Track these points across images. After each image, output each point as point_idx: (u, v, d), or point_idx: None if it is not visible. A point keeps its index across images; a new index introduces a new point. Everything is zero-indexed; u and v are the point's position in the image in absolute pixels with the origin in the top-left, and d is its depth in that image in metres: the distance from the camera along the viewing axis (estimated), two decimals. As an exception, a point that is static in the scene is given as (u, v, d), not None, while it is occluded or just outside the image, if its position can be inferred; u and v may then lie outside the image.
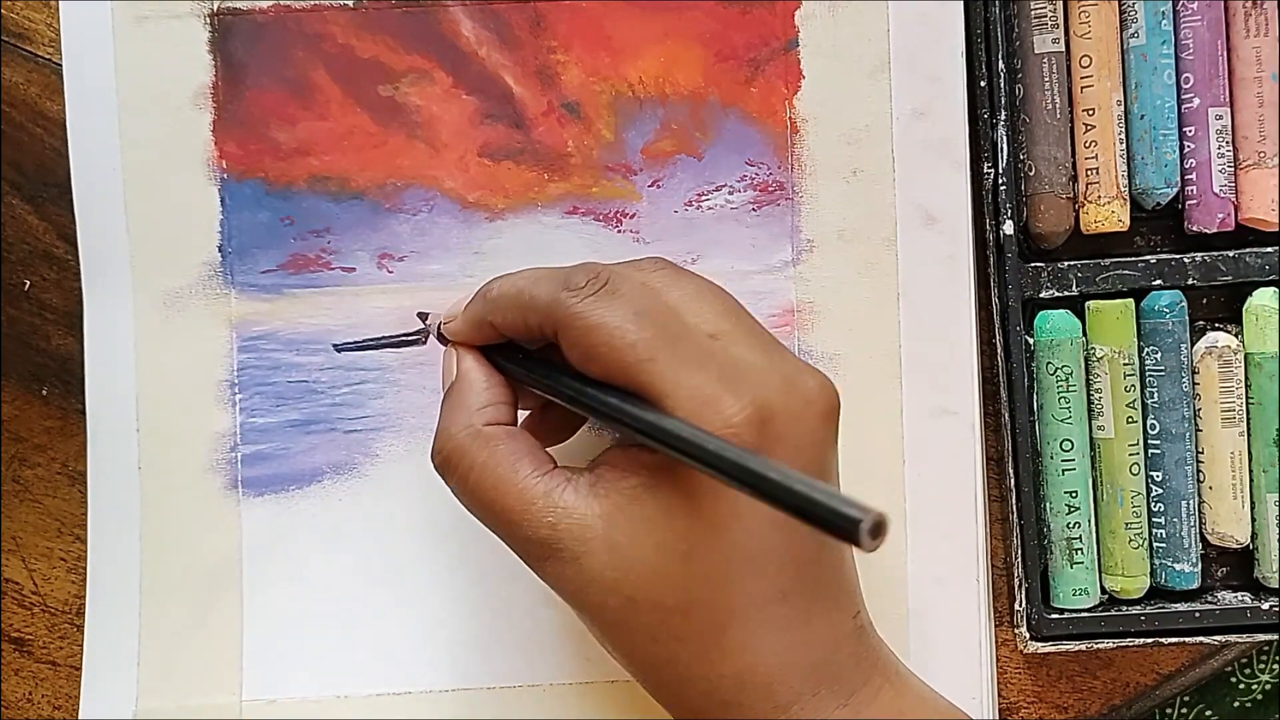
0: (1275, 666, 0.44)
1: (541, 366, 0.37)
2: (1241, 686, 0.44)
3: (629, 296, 0.34)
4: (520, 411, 0.39)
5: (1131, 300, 0.41)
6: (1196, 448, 0.42)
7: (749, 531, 0.33)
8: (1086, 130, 0.41)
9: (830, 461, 0.35)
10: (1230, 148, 0.41)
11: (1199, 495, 0.42)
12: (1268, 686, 0.44)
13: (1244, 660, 0.44)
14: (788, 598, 0.34)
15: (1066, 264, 0.42)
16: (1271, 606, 0.41)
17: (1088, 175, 0.42)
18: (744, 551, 0.33)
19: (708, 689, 0.34)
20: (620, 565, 0.34)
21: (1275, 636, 0.41)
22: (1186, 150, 0.41)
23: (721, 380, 0.33)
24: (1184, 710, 0.44)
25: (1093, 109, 0.41)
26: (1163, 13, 0.41)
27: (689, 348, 0.34)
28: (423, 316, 0.42)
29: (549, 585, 0.35)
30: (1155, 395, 0.41)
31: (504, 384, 0.38)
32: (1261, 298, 0.41)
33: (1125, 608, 0.42)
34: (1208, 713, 0.44)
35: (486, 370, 0.38)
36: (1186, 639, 0.41)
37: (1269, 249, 0.41)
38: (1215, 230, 0.42)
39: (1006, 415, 0.41)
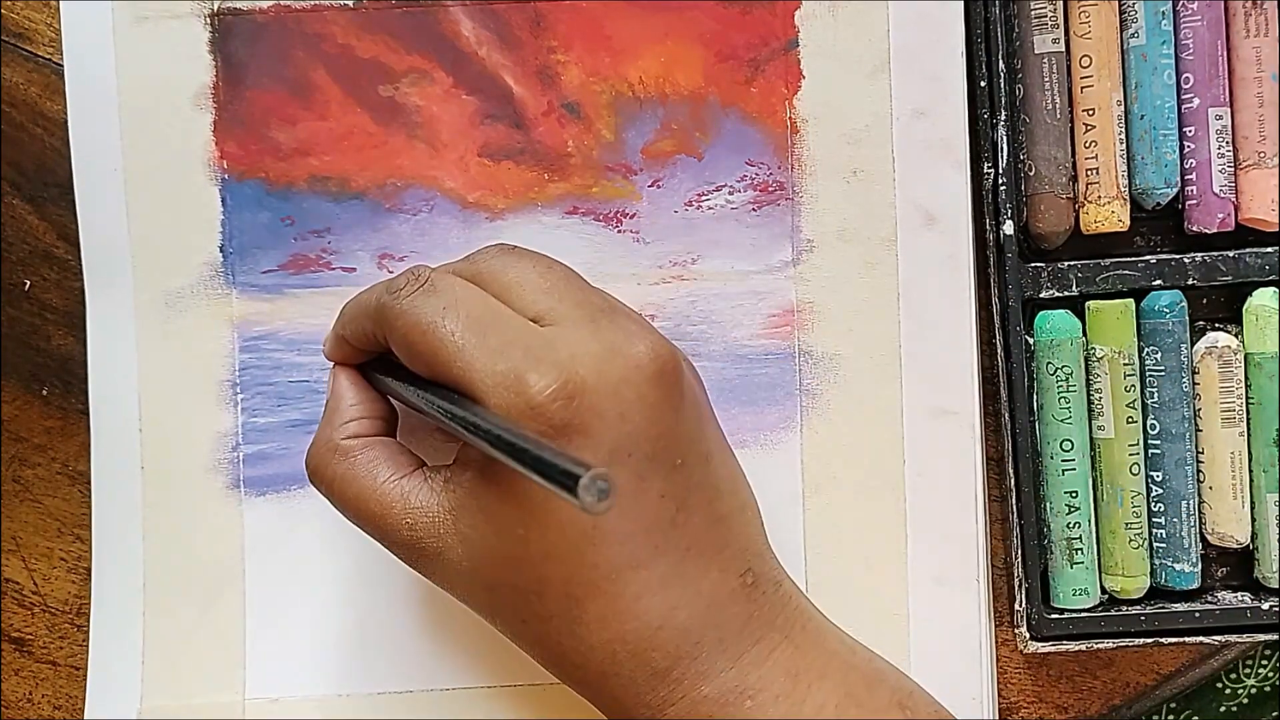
0: (1262, 671, 0.44)
1: (397, 376, 0.38)
2: (1228, 691, 0.44)
3: (444, 292, 0.35)
4: None
5: (1131, 300, 0.41)
6: (1196, 448, 0.42)
7: None
8: (1086, 130, 0.41)
9: (674, 424, 0.35)
10: (1230, 148, 0.41)
11: (1199, 495, 0.42)
12: (1254, 691, 0.44)
13: (1230, 665, 0.44)
14: (644, 564, 0.34)
15: (1066, 264, 0.42)
16: (1271, 606, 0.41)
17: (1088, 175, 0.42)
18: (579, 526, 0.34)
19: (583, 661, 0.35)
20: (473, 555, 0.35)
21: (1275, 636, 0.41)
22: (1186, 150, 0.41)
23: (526, 362, 0.33)
24: (1171, 717, 0.44)
25: (1093, 109, 0.41)
26: (1163, 13, 0.41)
27: (499, 335, 0.34)
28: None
29: (430, 582, 0.37)
30: (1155, 395, 0.41)
31: (374, 397, 0.39)
32: (1261, 298, 0.41)
33: (1125, 608, 0.42)
34: (1195, 719, 0.44)
35: (356, 385, 0.39)
36: (1186, 639, 0.41)
37: (1269, 249, 0.41)
38: (1215, 230, 0.41)
39: (1006, 415, 0.41)
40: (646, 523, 0.34)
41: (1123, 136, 0.41)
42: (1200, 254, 0.42)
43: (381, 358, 0.39)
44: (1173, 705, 0.44)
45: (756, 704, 0.35)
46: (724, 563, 0.36)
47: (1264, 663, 0.44)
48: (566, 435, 0.33)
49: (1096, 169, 0.41)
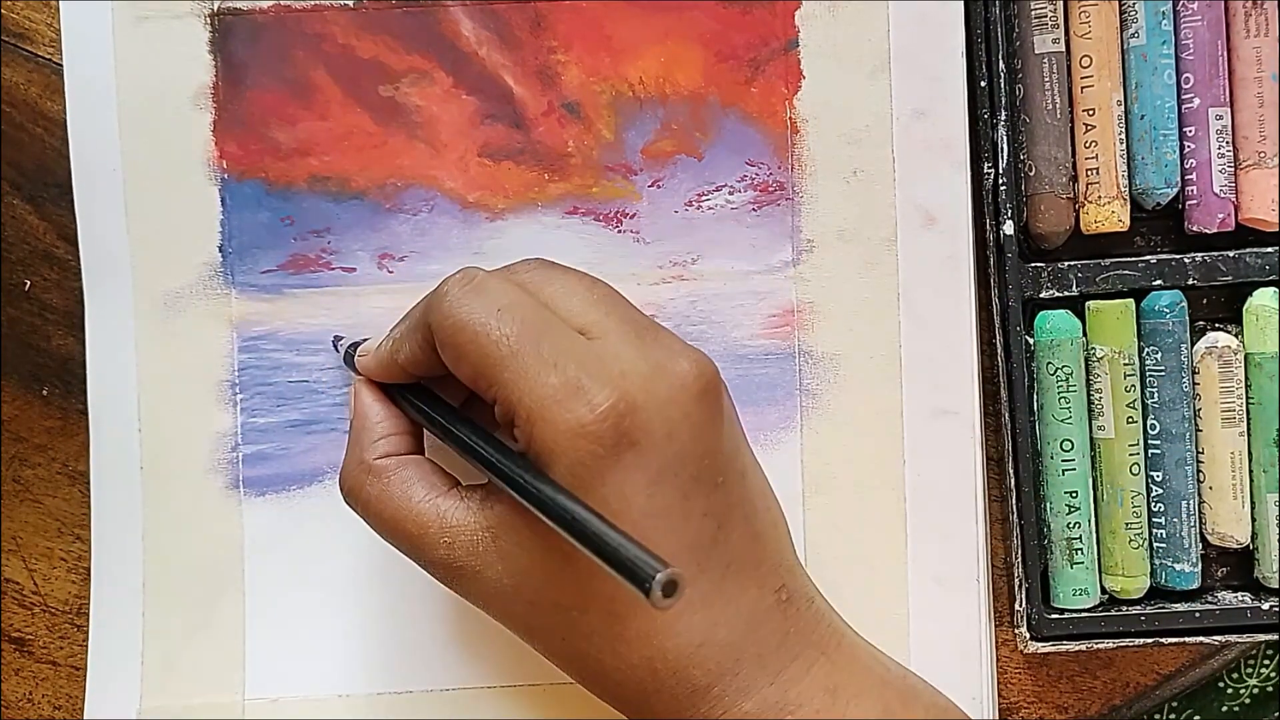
0: (1264, 671, 0.44)
1: (426, 401, 0.38)
2: (1230, 691, 0.44)
3: (495, 294, 0.35)
4: None
5: (1131, 300, 0.41)
6: (1196, 448, 0.42)
7: (626, 525, 0.34)
8: (1086, 130, 0.41)
9: (716, 442, 0.35)
10: (1230, 148, 0.41)
11: (1199, 495, 0.42)
12: (1255, 691, 0.44)
13: (1232, 664, 0.44)
14: (687, 583, 0.34)
15: (1066, 264, 0.42)
16: (1271, 607, 0.41)
17: (1088, 175, 0.42)
18: None
19: (624, 679, 0.35)
20: (515, 572, 0.35)
21: (1275, 636, 0.41)
22: (1186, 150, 0.41)
23: (580, 377, 0.33)
24: (1172, 716, 0.44)
25: (1093, 109, 0.41)
26: (1163, 13, 0.41)
27: (551, 344, 0.34)
28: (337, 340, 0.43)
29: (466, 600, 0.37)
30: (1155, 395, 0.41)
31: (399, 414, 0.39)
32: (1261, 298, 0.41)
33: (1125, 608, 0.42)
34: (1196, 718, 0.44)
35: (383, 403, 0.39)
36: (1186, 639, 0.41)
37: (1269, 249, 0.41)
38: (1215, 230, 0.41)
39: (1006, 415, 0.41)
40: (690, 541, 0.34)
41: (1123, 136, 0.41)
42: (1200, 254, 0.42)
43: (406, 385, 0.39)
44: (1174, 705, 0.44)
45: None
46: (760, 579, 0.36)
47: (1266, 663, 0.44)
48: (617, 454, 0.33)
49: (1096, 169, 0.41)
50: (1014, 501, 0.41)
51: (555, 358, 0.34)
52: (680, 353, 0.35)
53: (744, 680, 0.35)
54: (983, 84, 0.41)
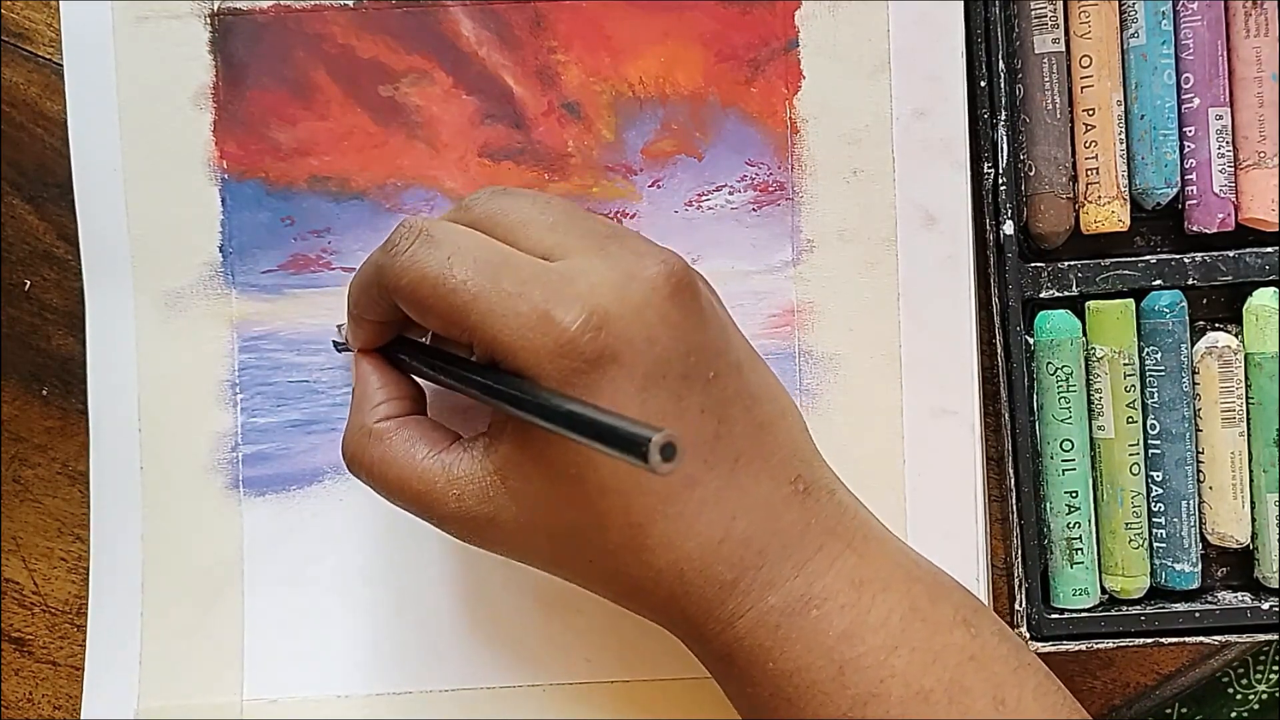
0: (1273, 676, 0.44)
1: (423, 355, 0.38)
2: (1239, 697, 0.44)
3: (444, 242, 0.35)
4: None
5: (1131, 300, 0.41)
6: (1196, 448, 0.42)
7: None
8: (1086, 130, 0.41)
9: (700, 336, 0.35)
10: (1230, 148, 0.41)
11: (1199, 495, 0.42)
12: (1264, 696, 0.44)
13: (1240, 670, 0.44)
14: (698, 481, 0.34)
15: (1066, 264, 0.42)
16: (1271, 607, 0.41)
17: (1088, 175, 0.42)
18: None
19: (653, 587, 0.35)
20: (529, 508, 0.35)
21: (1275, 636, 0.41)
22: (1186, 150, 0.41)
23: (547, 300, 0.33)
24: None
25: (1093, 109, 0.41)
26: (1163, 13, 0.41)
27: (512, 276, 0.34)
28: (340, 328, 0.43)
29: (487, 551, 0.37)
30: (1155, 395, 0.41)
31: (400, 379, 0.39)
32: (1261, 298, 0.41)
33: (1125, 608, 0.42)
34: (1204, 724, 0.44)
35: (380, 369, 0.39)
36: (1186, 639, 0.41)
37: (1269, 249, 0.41)
38: (1215, 230, 0.41)
39: (1006, 415, 0.41)
40: (692, 439, 0.34)
41: (1123, 136, 0.41)
42: (1200, 254, 0.42)
43: (402, 339, 0.39)
44: (1183, 711, 0.44)
45: (822, 613, 0.35)
46: (773, 470, 0.36)
47: (1275, 668, 0.43)
48: (600, 367, 0.33)
49: (1096, 169, 0.41)
50: (1014, 501, 0.41)
51: (519, 288, 0.33)
52: (647, 254, 0.35)
53: (768, 573, 0.35)
54: (983, 84, 0.41)
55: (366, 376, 0.39)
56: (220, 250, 0.43)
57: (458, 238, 0.35)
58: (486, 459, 0.35)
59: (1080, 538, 0.42)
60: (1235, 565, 0.43)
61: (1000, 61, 0.41)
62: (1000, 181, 0.41)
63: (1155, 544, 0.42)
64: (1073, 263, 0.42)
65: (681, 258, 0.35)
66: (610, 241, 0.35)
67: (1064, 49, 0.41)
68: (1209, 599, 0.42)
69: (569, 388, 0.33)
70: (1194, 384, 0.42)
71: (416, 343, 0.39)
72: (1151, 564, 0.42)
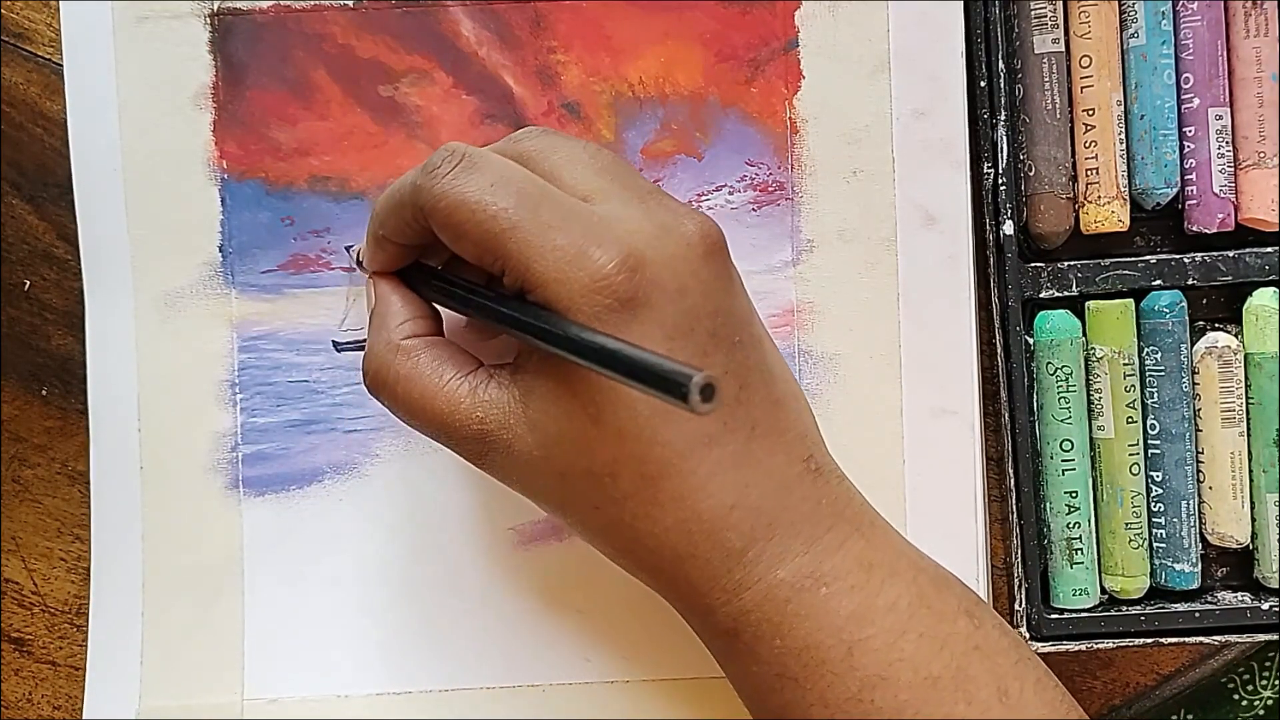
0: (1278, 682, 0.44)
1: (442, 281, 0.38)
2: (1244, 703, 0.44)
3: (486, 170, 0.35)
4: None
5: (1131, 300, 0.41)
6: (1196, 448, 0.42)
7: None
8: (1086, 130, 0.41)
9: (728, 301, 0.35)
10: (1230, 148, 0.41)
11: (1199, 495, 0.42)
12: (1270, 702, 0.44)
13: (1246, 675, 0.44)
14: (715, 441, 0.34)
15: (1066, 264, 0.42)
16: (1271, 607, 0.41)
17: (1088, 175, 0.42)
18: (651, 404, 0.34)
19: (657, 544, 0.35)
20: (543, 442, 0.35)
21: (1275, 636, 0.41)
22: (1186, 150, 0.41)
23: (587, 236, 0.33)
24: (1183, 727, 0.44)
25: (1093, 109, 0.41)
26: (1163, 13, 0.41)
27: (552, 210, 0.34)
28: (349, 250, 0.43)
29: (498, 480, 0.37)
30: (1155, 395, 0.41)
31: (419, 300, 0.39)
32: (1261, 298, 0.41)
33: (1125, 608, 0.42)
34: (1208, 729, 0.44)
35: (401, 290, 0.39)
36: (1186, 639, 0.41)
37: (1269, 249, 0.41)
38: (1215, 230, 0.41)
39: (1006, 415, 0.41)
40: None
41: (1123, 136, 0.41)
42: (1200, 254, 0.42)
43: (420, 265, 0.39)
44: (1188, 717, 0.44)
45: (831, 592, 0.35)
46: (787, 446, 0.36)
47: (1280, 674, 0.44)
48: (631, 309, 0.33)
49: (1096, 169, 0.41)
50: (1014, 501, 0.41)
51: (559, 222, 0.33)
52: (685, 214, 0.35)
53: (778, 546, 0.35)
54: (982, 84, 0.41)
55: (388, 295, 0.38)
56: (220, 250, 0.43)
57: (501, 167, 0.35)
58: (513, 385, 0.35)
59: (1080, 538, 0.42)
60: (1235, 565, 0.43)
61: (1000, 61, 0.41)
62: (1000, 181, 0.41)
63: (1155, 544, 0.42)
64: (1073, 263, 0.42)
65: (717, 225, 0.35)
66: (650, 196, 0.36)
67: (1064, 49, 0.41)
68: (1209, 599, 0.42)
69: (599, 325, 0.33)
70: (1194, 384, 0.42)
71: (438, 271, 0.39)
72: (1151, 564, 0.42)
